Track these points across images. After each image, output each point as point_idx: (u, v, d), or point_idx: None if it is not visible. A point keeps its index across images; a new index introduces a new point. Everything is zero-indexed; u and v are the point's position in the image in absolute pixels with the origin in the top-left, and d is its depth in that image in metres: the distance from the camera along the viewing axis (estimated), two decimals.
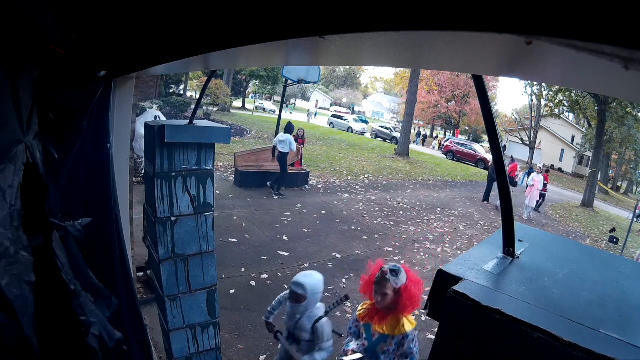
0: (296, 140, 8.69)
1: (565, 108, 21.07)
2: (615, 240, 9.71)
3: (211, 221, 2.08)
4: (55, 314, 0.94)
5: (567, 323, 0.66)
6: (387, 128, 25.66)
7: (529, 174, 11.50)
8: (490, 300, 0.69)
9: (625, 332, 0.65)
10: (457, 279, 0.78)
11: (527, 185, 10.67)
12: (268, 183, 7.90)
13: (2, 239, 0.75)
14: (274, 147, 8.03)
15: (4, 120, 0.79)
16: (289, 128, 8.34)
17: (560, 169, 27.41)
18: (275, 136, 9.24)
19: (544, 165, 12.63)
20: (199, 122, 2.09)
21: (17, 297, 0.77)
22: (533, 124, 26.44)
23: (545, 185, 10.98)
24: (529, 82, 20.25)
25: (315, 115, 30.76)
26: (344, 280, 4.67)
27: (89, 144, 1.21)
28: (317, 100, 43.75)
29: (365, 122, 29.44)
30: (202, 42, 0.73)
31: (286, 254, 5.14)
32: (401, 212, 8.18)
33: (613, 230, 10.60)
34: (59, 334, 0.95)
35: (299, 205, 7.30)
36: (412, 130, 20.71)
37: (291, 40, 0.52)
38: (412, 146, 18.95)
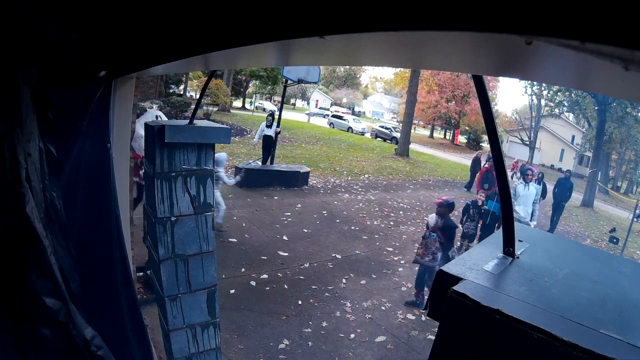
0: None
1: (565, 108, 21.06)
2: (615, 240, 9.70)
3: (211, 221, 2.08)
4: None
5: (567, 323, 0.66)
6: (387, 128, 25.63)
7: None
8: (490, 300, 0.69)
9: (625, 332, 0.64)
10: (457, 279, 0.78)
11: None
12: None
13: None
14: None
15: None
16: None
17: (560, 169, 27.40)
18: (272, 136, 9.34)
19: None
20: (199, 122, 2.09)
21: None
22: (533, 124, 26.41)
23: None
24: (529, 82, 20.26)
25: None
26: (343, 280, 4.67)
27: (89, 144, 1.21)
28: (317, 100, 43.71)
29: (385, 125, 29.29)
30: (202, 42, 0.73)
31: (286, 254, 5.14)
32: (401, 212, 8.18)
33: (613, 230, 10.58)
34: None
35: (299, 205, 7.30)
36: (412, 130, 20.64)
37: (291, 40, 0.52)
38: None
